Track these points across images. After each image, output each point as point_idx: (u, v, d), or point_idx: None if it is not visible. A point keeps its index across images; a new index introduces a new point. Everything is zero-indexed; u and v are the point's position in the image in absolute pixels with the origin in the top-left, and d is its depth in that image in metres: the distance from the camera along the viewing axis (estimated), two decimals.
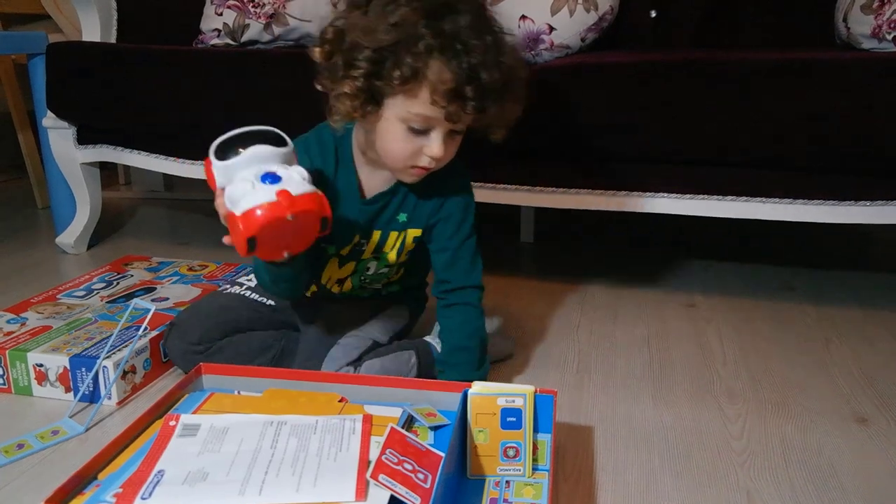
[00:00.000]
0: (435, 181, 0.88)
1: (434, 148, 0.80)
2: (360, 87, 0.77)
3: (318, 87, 0.83)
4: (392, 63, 0.75)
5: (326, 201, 0.72)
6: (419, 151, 0.81)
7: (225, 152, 0.73)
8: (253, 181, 0.70)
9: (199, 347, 0.97)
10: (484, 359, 0.96)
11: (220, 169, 0.74)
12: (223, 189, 0.74)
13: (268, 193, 0.69)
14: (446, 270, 0.94)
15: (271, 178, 0.70)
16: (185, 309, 1.04)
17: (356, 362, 0.93)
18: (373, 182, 0.90)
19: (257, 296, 1.05)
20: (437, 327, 1.06)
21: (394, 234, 0.93)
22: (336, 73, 0.79)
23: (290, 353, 1.02)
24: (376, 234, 0.92)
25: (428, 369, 1.00)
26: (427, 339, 1.04)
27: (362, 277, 0.98)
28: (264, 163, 0.72)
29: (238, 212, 0.69)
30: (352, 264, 0.96)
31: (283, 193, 0.69)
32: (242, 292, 1.06)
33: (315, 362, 0.93)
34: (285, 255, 0.74)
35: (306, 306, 1.01)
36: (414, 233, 0.93)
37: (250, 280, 1.09)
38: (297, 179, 0.71)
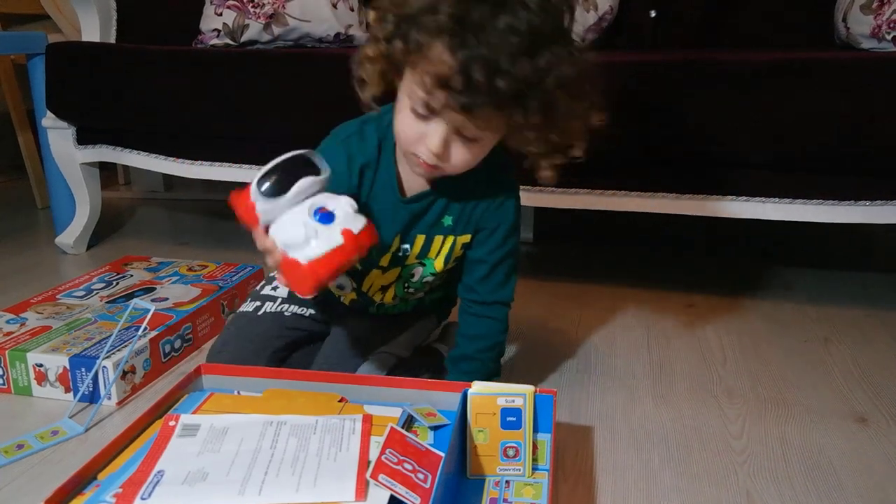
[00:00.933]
0: (481, 187, 0.84)
1: (431, 140, 0.72)
2: (383, 51, 0.73)
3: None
4: (405, 32, 0.69)
5: (374, 228, 0.69)
6: (421, 140, 0.74)
7: (261, 185, 0.67)
8: (306, 220, 0.66)
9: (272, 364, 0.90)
10: (496, 369, 0.93)
11: (265, 206, 0.68)
12: (266, 227, 0.69)
13: (332, 237, 0.66)
14: (480, 283, 0.89)
15: (326, 216, 0.67)
16: (218, 343, 0.93)
17: None
18: (415, 180, 0.83)
19: (296, 307, 0.97)
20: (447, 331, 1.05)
21: (438, 239, 0.86)
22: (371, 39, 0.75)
23: None
24: (420, 239, 0.86)
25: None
26: (437, 346, 1.04)
27: (406, 285, 0.91)
28: (310, 195, 0.68)
29: (303, 259, 0.66)
30: (396, 270, 0.89)
31: (348, 234, 0.66)
32: (276, 309, 0.96)
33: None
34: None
35: (338, 318, 0.96)
36: (463, 239, 0.87)
37: (276, 290, 0.99)
38: (350, 214, 0.67)
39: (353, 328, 0.94)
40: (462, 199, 0.84)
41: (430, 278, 0.90)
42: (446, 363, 0.94)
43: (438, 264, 0.88)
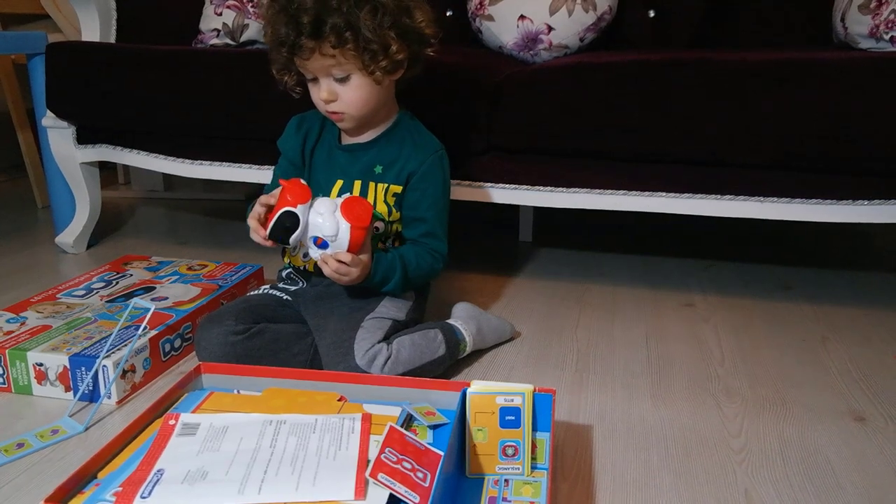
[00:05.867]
0: (407, 147, 1.05)
1: (320, 93, 0.98)
2: (282, 61, 1.00)
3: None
4: (266, 31, 0.99)
5: (360, 200, 0.95)
6: (318, 99, 0.99)
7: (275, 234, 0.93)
8: (309, 248, 0.95)
9: (239, 328, 0.97)
10: (406, 284, 1.04)
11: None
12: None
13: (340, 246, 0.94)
14: (422, 237, 1.06)
15: (322, 245, 0.94)
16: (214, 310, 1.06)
17: (385, 341, 0.97)
18: (352, 136, 1.07)
19: (277, 292, 1.10)
20: (455, 310, 1.12)
21: (372, 185, 1.04)
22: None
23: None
24: (357, 184, 1.05)
25: (454, 348, 1.04)
26: (448, 321, 1.09)
27: None
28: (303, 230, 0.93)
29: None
30: None
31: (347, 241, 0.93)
32: (262, 292, 1.11)
33: (344, 348, 0.95)
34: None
35: (315, 300, 1.07)
36: (395, 188, 1.04)
37: (266, 286, 1.13)
38: (335, 228, 0.92)
39: (338, 307, 1.04)
40: (389, 154, 1.05)
41: (380, 224, 1.05)
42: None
43: (381, 209, 1.04)
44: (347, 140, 1.07)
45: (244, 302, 1.04)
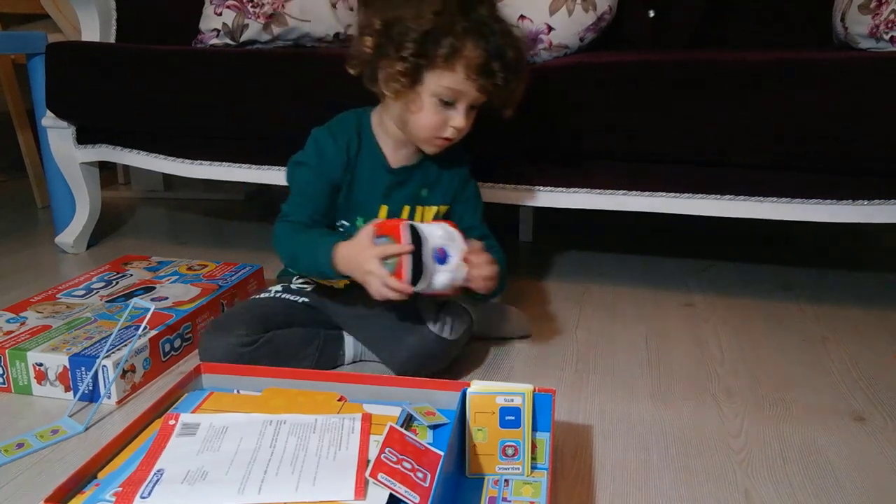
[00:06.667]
0: (448, 162, 1.04)
1: (458, 119, 0.94)
2: (409, 66, 0.91)
3: (352, 72, 0.99)
4: (435, 43, 0.90)
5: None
6: (445, 123, 0.95)
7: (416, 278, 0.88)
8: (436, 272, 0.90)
9: (247, 339, 0.96)
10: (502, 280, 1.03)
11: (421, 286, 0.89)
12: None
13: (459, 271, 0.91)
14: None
15: (443, 257, 0.91)
16: (222, 313, 1.05)
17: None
18: (397, 156, 1.03)
19: (290, 296, 1.07)
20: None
21: (420, 210, 1.05)
22: (386, 57, 0.93)
23: (332, 344, 1.06)
24: (406, 209, 1.03)
25: (472, 321, 1.06)
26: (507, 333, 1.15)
27: None
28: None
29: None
30: None
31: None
32: (271, 295, 1.07)
33: (411, 322, 0.98)
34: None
35: (348, 294, 1.05)
36: (442, 209, 1.06)
37: (273, 287, 1.10)
38: (444, 228, 0.91)
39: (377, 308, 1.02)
40: (432, 174, 1.05)
41: None
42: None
43: None
44: (399, 162, 1.03)
45: (255, 308, 1.02)
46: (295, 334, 1.02)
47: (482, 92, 0.93)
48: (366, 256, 0.88)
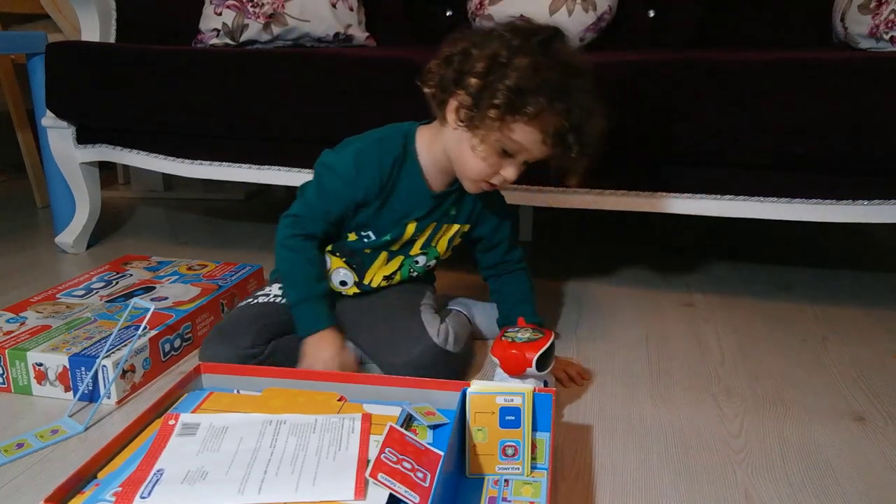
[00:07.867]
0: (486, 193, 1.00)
1: (511, 171, 0.91)
2: (500, 112, 0.86)
3: (425, 90, 0.93)
4: (525, 98, 0.85)
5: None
6: (497, 171, 0.91)
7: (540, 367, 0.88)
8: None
9: (254, 350, 0.96)
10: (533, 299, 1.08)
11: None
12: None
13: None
14: (505, 255, 1.08)
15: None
16: (223, 320, 1.03)
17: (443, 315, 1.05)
18: (438, 180, 1.00)
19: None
20: (449, 304, 1.17)
21: (444, 227, 1.03)
22: (480, 95, 0.87)
23: None
24: (431, 226, 1.02)
25: (470, 327, 1.12)
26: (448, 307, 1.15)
27: (411, 270, 1.06)
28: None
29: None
30: (399, 259, 1.04)
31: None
32: (271, 300, 1.05)
33: (416, 331, 0.98)
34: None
35: (351, 310, 1.06)
36: (463, 228, 1.05)
37: (271, 289, 1.08)
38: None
39: (386, 301, 1.06)
40: (464, 195, 1.02)
41: (433, 262, 1.07)
42: (500, 321, 1.10)
43: (441, 248, 1.05)
44: (440, 187, 1.00)
45: (259, 318, 1.01)
46: (296, 341, 1.00)
47: (545, 156, 0.90)
48: (328, 362, 0.94)
